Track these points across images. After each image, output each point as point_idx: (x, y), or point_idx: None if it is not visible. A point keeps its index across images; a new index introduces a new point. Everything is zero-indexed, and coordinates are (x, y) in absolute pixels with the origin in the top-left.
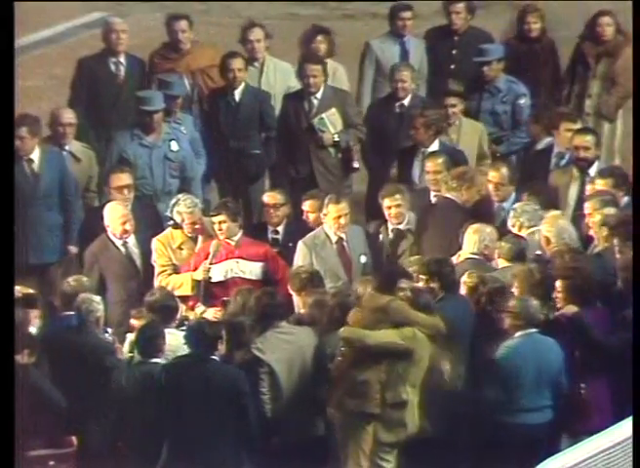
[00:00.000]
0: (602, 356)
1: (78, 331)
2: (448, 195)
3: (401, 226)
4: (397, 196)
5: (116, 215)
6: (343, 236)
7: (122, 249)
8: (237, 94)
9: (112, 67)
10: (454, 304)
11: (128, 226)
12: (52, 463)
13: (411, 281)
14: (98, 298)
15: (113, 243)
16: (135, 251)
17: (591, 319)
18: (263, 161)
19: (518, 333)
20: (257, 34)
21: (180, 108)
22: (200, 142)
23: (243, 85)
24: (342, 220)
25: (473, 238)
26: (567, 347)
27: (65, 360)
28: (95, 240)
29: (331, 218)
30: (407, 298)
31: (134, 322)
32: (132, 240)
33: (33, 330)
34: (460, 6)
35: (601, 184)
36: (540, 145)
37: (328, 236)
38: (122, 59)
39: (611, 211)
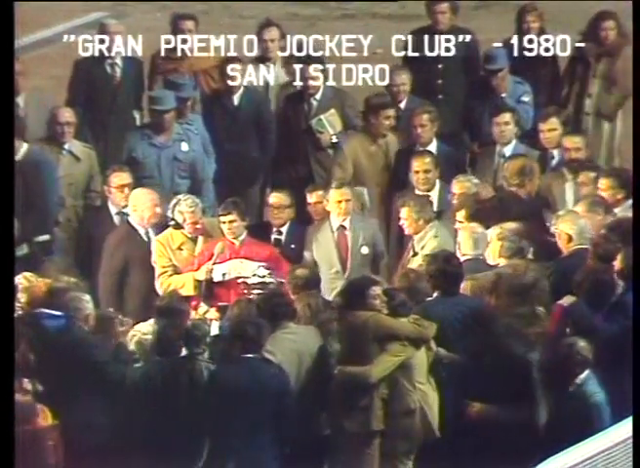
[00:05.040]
0: (601, 345)
1: (67, 331)
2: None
3: (417, 236)
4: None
5: (147, 200)
6: (347, 225)
7: (145, 238)
8: (236, 98)
9: (108, 69)
10: (456, 302)
11: (158, 209)
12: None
13: (380, 287)
14: (87, 297)
15: (137, 231)
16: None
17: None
18: (261, 163)
19: (578, 380)
20: (272, 34)
21: (191, 109)
22: (210, 142)
23: (242, 89)
24: (344, 205)
25: (470, 238)
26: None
27: (57, 361)
28: (114, 231)
29: (333, 202)
30: (382, 304)
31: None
32: (151, 232)
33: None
34: (445, 6)
35: (603, 184)
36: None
37: (330, 223)
38: (118, 61)
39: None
